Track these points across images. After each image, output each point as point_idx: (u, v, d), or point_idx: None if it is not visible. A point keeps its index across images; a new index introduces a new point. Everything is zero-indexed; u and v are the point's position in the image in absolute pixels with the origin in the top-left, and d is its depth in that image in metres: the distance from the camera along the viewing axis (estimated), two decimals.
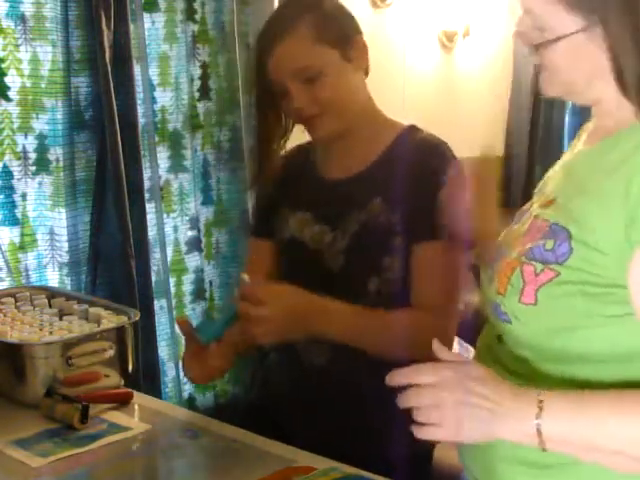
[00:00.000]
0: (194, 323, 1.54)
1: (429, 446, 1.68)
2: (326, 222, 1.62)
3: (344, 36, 1.57)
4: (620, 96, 1.06)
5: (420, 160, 1.57)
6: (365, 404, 1.57)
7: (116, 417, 1.60)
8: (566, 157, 1.21)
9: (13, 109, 2.11)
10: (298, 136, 1.70)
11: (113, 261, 2.24)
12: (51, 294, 1.95)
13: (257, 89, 1.63)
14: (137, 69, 2.27)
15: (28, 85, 2.12)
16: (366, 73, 1.62)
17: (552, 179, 1.20)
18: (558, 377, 1.09)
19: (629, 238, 1.01)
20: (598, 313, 1.05)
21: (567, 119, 3.71)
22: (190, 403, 2.52)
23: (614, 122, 1.10)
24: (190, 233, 2.53)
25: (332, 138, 1.61)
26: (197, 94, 2.49)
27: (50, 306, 1.89)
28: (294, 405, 1.63)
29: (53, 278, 2.23)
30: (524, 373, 1.11)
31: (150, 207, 2.36)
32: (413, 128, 1.64)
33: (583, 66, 1.07)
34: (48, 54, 2.14)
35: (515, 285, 1.09)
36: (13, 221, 2.14)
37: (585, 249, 1.04)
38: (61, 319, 1.80)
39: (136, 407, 1.66)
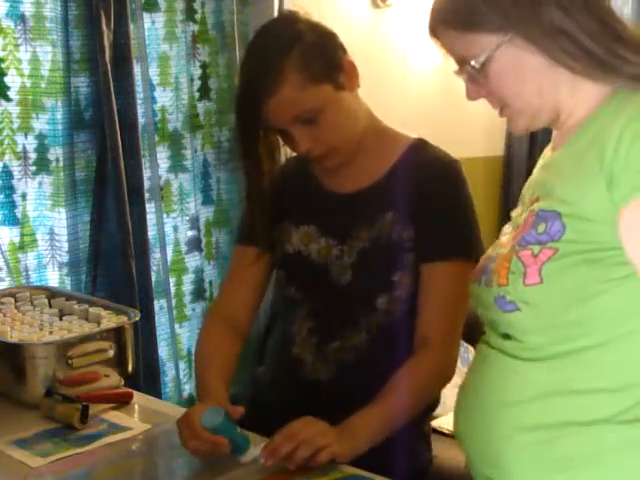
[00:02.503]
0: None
1: (428, 461, 1.68)
2: (332, 236, 1.59)
3: (332, 65, 1.50)
4: (574, 92, 1.15)
5: (435, 179, 1.55)
6: None
7: (116, 417, 1.60)
8: (539, 165, 1.27)
9: (13, 109, 2.11)
10: None
11: (113, 261, 2.24)
12: (51, 294, 1.95)
13: (246, 133, 1.56)
14: (137, 69, 2.27)
15: (28, 85, 2.12)
16: (358, 87, 1.57)
17: (526, 191, 1.25)
18: (574, 356, 1.11)
19: (612, 199, 1.07)
20: (604, 278, 1.09)
21: None
22: (190, 403, 2.51)
23: (576, 120, 1.17)
24: (190, 233, 2.53)
25: (341, 166, 1.58)
26: (197, 94, 2.49)
27: (50, 306, 1.89)
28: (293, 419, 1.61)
29: (53, 278, 2.23)
30: (538, 359, 1.14)
31: (150, 207, 2.35)
32: (421, 142, 1.61)
33: (527, 77, 1.15)
34: (48, 54, 2.14)
35: (516, 271, 1.12)
36: (13, 221, 2.14)
37: (577, 222, 1.09)
38: (61, 319, 1.80)
39: (136, 407, 1.66)
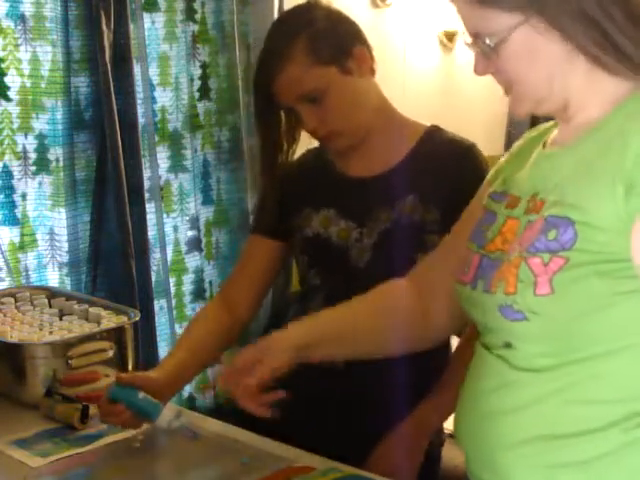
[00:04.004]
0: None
1: (438, 447, 1.68)
2: (352, 218, 1.61)
3: (339, 50, 1.56)
4: (589, 86, 1.11)
5: (456, 161, 1.58)
6: (382, 406, 1.57)
7: None
8: (532, 160, 1.21)
9: (13, 109, 2.10)
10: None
11: (113, 261, 2.24)
12: (51, 294, 1.95)
13: (261, 110, 1.64)
14: (137, 69, 2.27)
15: (28, 85, 2.12)
16: (372, 73, 1.62)
17: (522, 182, 1.19)
18: (575, 367, 1.09)
19: (628, 208, 1.03)
20: (613, 291, 1.06)
21: None
22: (190, 403, 2.51)
23: (587, 119, 1.12)
24: (190, 233, 2.53)
25: (349, 149, 1.62)
26: (197, 94, 2.49)
27: (50, 306, 1.89)
28: (308, 407, 1.62)
29: (53, 278, 2.23)
30: (542, 369, 1.11)
31: (150, 207, 2.35)
32: (437, 128, 1.66)
33: (538, 64, 1.10)
34: (48, 54, 2.14)
35: (525, 280, 1.08)
36: (13, 221, 2.14)
37: (590, 230, 1.05)
38: (61, 319, 1.80)
39: None
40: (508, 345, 1.14)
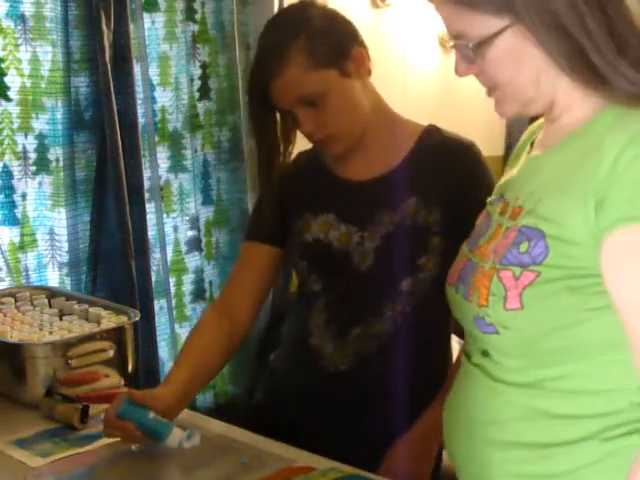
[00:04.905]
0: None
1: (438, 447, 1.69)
2: (352, 222, 1.59)
3: (338, 52, 1.53)
4: (572, 89, 1.08)
5: (457, 160, 1.57)
6: (383, 407, 1.57)
7: None
8: (521, 163, 1.20)
9: (13, 109, 2.10)
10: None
11: (113, 261, 2.24)
12: (51, 294, 1.95)
13: (257, 111, 1.60)
14: (137, 69, 2.27)
15: (28, 85, 2.12)
16: (369, 74, 1.60)
17: (511, 186, 1.18)
18: (552, 382, 1.09)
19: (598, 224, 1.01)
20: (584, 307, 1.04)
21: None
22: (190, 403, 2.51)
23: (571, 120, 1.10)
24: (190, 233, 2.53)
25: (346, 152, 1.60)
26: (197, 94, 2.49)
27: (50, 306, 1.89)
28: (310, 408, 1.62)
29: (53, 278, 2.23)
30: (518, 383, 1.10)
31: (150, 207, 2.35)
32: (434, 127, 1.64)
33: (525, 67, 1.07)
34: (48, 54, 2.14)
35: (497, 293, 1.06)
36: (13, 221, 2.14)
37: (561, 245, 1.03)
38: (61, 319, 1.80)
39: None
40: (485, 353, 1.13)
